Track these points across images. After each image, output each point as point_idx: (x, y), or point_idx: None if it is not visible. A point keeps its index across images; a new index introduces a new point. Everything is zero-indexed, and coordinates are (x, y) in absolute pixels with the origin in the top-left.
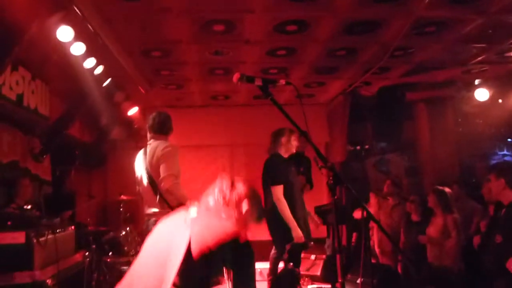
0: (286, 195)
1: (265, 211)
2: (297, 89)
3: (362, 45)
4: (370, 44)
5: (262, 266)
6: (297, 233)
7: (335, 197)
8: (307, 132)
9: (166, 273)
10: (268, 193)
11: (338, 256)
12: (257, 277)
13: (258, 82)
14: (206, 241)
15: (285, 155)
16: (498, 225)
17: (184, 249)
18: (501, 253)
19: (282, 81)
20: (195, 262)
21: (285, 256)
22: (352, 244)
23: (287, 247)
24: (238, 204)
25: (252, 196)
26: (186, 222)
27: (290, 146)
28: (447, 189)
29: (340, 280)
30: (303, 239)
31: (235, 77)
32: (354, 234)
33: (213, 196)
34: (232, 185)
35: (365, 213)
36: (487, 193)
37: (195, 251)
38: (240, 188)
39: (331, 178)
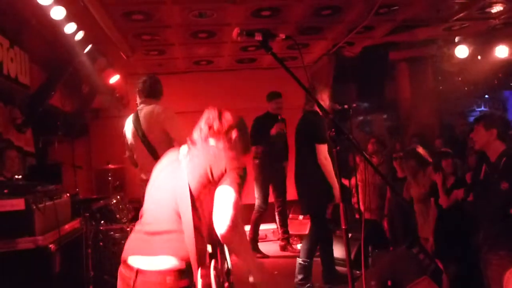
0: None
1: (302, 170)
2: (295, 42)
3: (347, 2)
4: (356, 1)
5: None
6: (338, 193)
7: (337, 147)
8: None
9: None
10: (304, 152)
11: (341, 205)
12: (271, 236)
13: (258, 37)
14: (202, 177)
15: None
16: (495, 174)
17: (188, 191)
18: (509, 199)
19: (282, 35)
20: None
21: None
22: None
23: (330, 206)
24: (227, 133)
25: (240, 125)
26: (179, 163)
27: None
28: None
29: (344, 227)
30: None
31: (235, 32)
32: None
33: (201, 128)
34: (219, 115)
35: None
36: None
37: (195, 190)
38: (228, 117)
39: (333, 130)
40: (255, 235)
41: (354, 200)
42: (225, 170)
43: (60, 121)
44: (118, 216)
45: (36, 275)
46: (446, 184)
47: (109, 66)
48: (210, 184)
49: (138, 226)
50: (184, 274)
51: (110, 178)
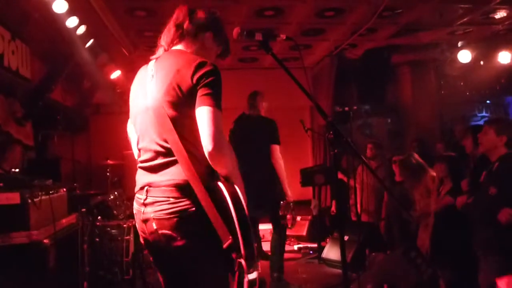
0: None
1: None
2: (297, 44)
3: (351, 4)
4: (359, 3)
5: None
6: (289, 192)
7: (335, 150)
8: (309, 91)
9: None
10: (257, 152)
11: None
12: (269, 237)
13: (259, 37)
14: (171, 96)
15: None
16: (489, 178)
17: (165, 117)
18: (495, 204)
19: (283, 36)
20: None
21: (281, 213)
22: (332, 211)
23: (282, 204)
24: (197, 34)
25: (214, 23)
26: (150, 72)
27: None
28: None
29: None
30: (292, 198)
31: (235, 32)
32: (334, 202)
33: (169, 29)
34: (190, 13)
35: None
36: (469, 147)
37: (171, 113)
38: (200, 14)
39: (331, 132)
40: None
41: (351, 202)
42: (194, 81)
43: (61, 116)
44: (115, 212)
45: (30, 269)
46: (439, 190)
47: (111, 61)
48: (181, 101)
49: (138, 164)
50: (186, 191)
51: (108, 174)
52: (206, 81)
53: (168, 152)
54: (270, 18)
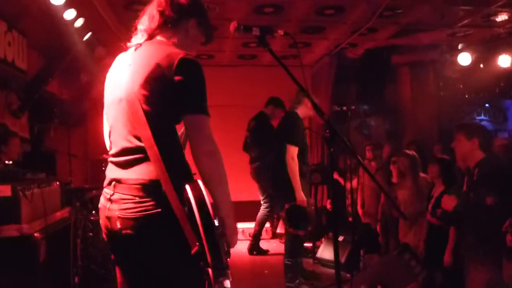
0: (299, 157)
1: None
2: (294, 40)
3: (351, 3)
4: (360, 2)
5: (244, 226)
6: (301, 196)
7: (331, 149)
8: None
9: None
10: (275, 149)
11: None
12: (240, 236)
13: (256, 32)
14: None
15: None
16: (471, 185)
17: (140, 112)
18: (495, 213)
19: (280, 32)
20: None
21: (282, 214)
22: (329, 207)
23: (286, 206)
24: (180, 21)
25: (199, 7)
26: (128, 61)
27: (307, 108)
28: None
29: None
30: (305, 203)
31: (232, 26)
32: (329, 201)
33: (151, 16)
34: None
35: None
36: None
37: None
38: (183, 0)
39: (327, 131)
40: (258, 234)
41: (348, 202)
42: (175, 79)
43: (57, 109)
44: None
45: (20, 263)
46: (432, 194)
47: (109, 55)
48: (158, 97)
49: (109, 158)
50: (152, 191)
51: (104, 169)
52: (190, 81)
53: (138, 149)
54: (270, 15)
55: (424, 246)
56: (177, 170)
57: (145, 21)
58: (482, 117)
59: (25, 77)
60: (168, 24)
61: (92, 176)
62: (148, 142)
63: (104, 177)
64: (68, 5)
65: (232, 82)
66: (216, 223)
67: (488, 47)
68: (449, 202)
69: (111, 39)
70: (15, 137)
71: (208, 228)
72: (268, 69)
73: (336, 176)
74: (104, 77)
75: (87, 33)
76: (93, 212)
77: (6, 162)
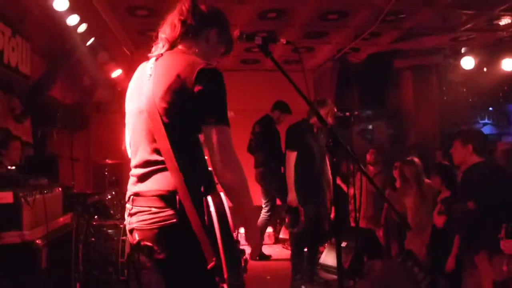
0: (301, 161)
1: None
2: (297, 49)
3: (354, 8)
4: (363, 7)
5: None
6: (290, 196)
7: (334, 159)
8: (309, 96)
9: None
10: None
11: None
12: (242, 241)
13: (258, 41)
14: (165, 102)
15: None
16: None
17: (160, 125)
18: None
19: (283, 40)
20: None
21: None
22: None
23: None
24: (202, 31)
25: (220, 17)
26: (149, 71)
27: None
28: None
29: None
30: (294, 203)
31: (235, 34)
32: (333, 208)
33: (173, 26)
34: (194, 8)
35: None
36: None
37: (168, 120)
38: (204, 9)
39: (330, 140)
40: (261, 238)
41: (350, 208)
42: (195, 89)
43: (60, 113)
44: (112, 212)
45: (21, 270)
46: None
47: (111, 60)
48: (178, 108)
49: (130, 172)
50: (169, 201)
51: (106, 173)
52: (209, 91)
53: (157, 161)
54: (273, 20)
55: (427, 252)
56: (197, 182)
57: (167, 30)
58: (486, 120)
59: (28, 82)
60: (189, 33)
61: (95, 180)
62: (167, 154)
63: (106, 181)
64: (71, 10)
65: (235, 87)
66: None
67: (491, 51)
68: (439, 221)
69: (113, 44)
70: (15, 141)
71: (228, 242)
72: (271, 74)
73: (338, 181)
74: (107, 82)
75: (90, 38)
76: (95, 217)
77: (9, 167)
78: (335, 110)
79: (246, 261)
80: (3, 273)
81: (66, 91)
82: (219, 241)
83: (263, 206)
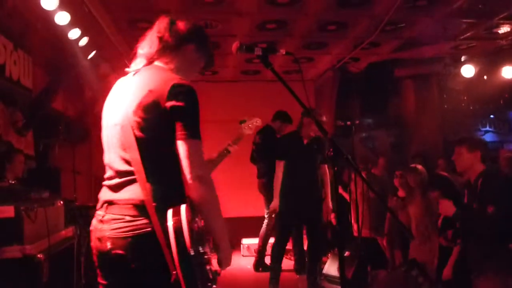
0: (287, 172)
1: None
2: (297, 59)
3: (353, 19)
4: (362, 18)
5: (250, 242)
6: (274, 202)
7: (335, 168)
8: (310, 107)
9: None
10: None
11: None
12: (245, 252)
13: (258, 52)
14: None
15: (305, 135)
16: (474, 197)
17: (132, 138)
18: (496, 222)
19: (282, 51)
20: None
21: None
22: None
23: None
24: (179, 47)
25: (198, 33)
26: (125, 86)
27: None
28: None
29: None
30: (274, 208)
31: (234, 46)
32: (333, 215)
33: (152, 42)
34: (171, 25)
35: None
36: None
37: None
38: (182, 25)
39: (331, 150)
40: (263, 249)
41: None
42: (167, 105)
43: (62, 125)
44: None
45: (23, 284)
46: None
47: (113, 72)
48: (150, 123)
49: (104, 182)
50: (143, 210)
51: None
52: (182, 106)
53: (128, 171)
54: (273, 31)
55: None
56: (165, 195)
57: (145, 46)
58: (488, 128)
59: (30, 95)
60: (166, 49)
61: (96, 193)
62: (137, 166)
63: None
64: (73, 24)
65: (236, 97)
66: (201, 249)
67: (491, 59)
68: (448, 208)
69: (115, 56)
70: (19, 154)
71: (182, 257)
72: (271, 84)
73: (340, 190)
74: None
75: (92, 51)
76: None
77: (11, 181)
78: (324, 119)
79: (214, 273)
80: (5, 287)
81: (68, 104)
82: (174, 255)
83: (266, 216)
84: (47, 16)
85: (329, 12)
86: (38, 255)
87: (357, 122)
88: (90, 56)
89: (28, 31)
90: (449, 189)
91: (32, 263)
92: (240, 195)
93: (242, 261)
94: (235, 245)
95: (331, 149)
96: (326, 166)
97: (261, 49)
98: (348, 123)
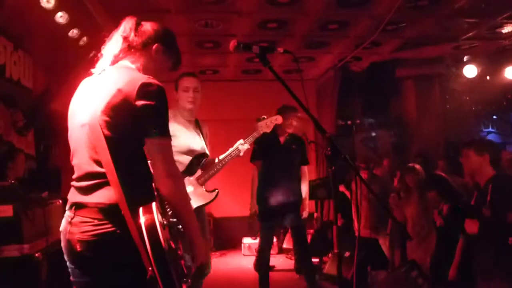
0: (263, 170)
1: None
2: (295, 57)
3: (354, 18)
4: (363, 17)
5: (251, 241)
6: (251, 204)
7: (333, 167)
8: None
9: None
10: None
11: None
12: (246, 251)
13: (256, 50)
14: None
15: (281, 133)
16: (484, 200)
17: (101, 136)
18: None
19: (280, 49)
20: None
21: None
22: (339, 223)
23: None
24: (145, 47)
25: (164, 33)
26: (91, 86)
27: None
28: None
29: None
30: (252, 210)
31: (232, 44)
32: (339, 215)
33: (116, 42)
34: (137, 25)
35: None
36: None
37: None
38: (147, 26)
39: (329, 149)
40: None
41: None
42: (137, 104)
43: (62, 126)
44: None
45: (21, 283)
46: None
47: None
48: (119, 122)
49: (72, 182)
50: (110, 214)
51: None
52: (150, 105)
53: (99, 174)
54: (273, 30)
55: (431, 262)
56: (137, 194)
57: (110, 46)
58: (490, 129)
59: (30, 96)
60: (131, 49)
61: None
62: (108, 167)
63: None
64: (72, 24)
65: (237, 97)
66: (174, 245)
67: (494, 59)
68: (472, 226)
69: None
70: (21, 153)
71: (157, 252)
72: (272, 84)
73: (342, 188)
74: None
75: (91, 51)
76: None
77: (12, 181)
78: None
79: (189, 267)
80: (3, 286)
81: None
82: (149, 252)
83: None
84: (47, 16)
85: (330, 11)
86: (36, 254)
87: (358, 121)
88: (90, 56)
89: (28, 31)
90: (445, 189)
91: (31, 262)
92: (241, 194)
93: (243, 261)
94: (236, 245)
95: (329, 149)
96: (306, 167)
97: (258, 48)
98: (349, 122)
